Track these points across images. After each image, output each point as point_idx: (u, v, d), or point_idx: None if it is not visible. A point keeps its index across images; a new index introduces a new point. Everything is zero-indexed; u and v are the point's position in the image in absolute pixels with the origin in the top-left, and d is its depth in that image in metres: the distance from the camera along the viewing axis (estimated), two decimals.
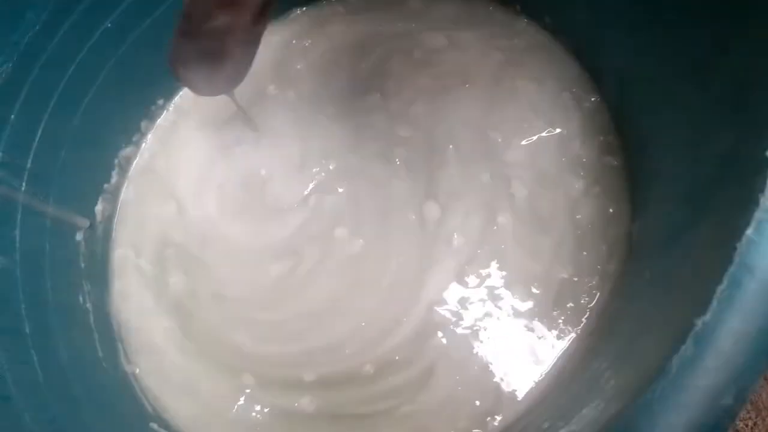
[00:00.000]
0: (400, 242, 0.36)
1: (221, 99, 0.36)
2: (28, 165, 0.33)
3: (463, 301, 0.35)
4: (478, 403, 0.33)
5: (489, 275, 0.35)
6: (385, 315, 0.35)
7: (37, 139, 0.34)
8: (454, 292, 0.35)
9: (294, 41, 0.43)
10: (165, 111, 0.42)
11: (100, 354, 0.35)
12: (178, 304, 0.37)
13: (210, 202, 0.39)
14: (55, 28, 0.33)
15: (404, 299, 0.35)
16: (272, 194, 0.39)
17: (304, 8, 0.44)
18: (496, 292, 0.35)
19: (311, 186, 0.39)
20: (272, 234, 0.38)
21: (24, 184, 0.33)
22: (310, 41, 0.43)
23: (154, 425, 0.34)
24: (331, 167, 0.39)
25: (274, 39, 0.42)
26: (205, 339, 0.36)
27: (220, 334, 0.36)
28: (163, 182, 0.40)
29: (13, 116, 0.32)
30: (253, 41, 0.32)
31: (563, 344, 0.33)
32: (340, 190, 0.38)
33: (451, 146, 0.38)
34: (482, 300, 0.35)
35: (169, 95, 0.42)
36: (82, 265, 0.36)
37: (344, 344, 0.35)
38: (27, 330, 0.31)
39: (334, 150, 0.39)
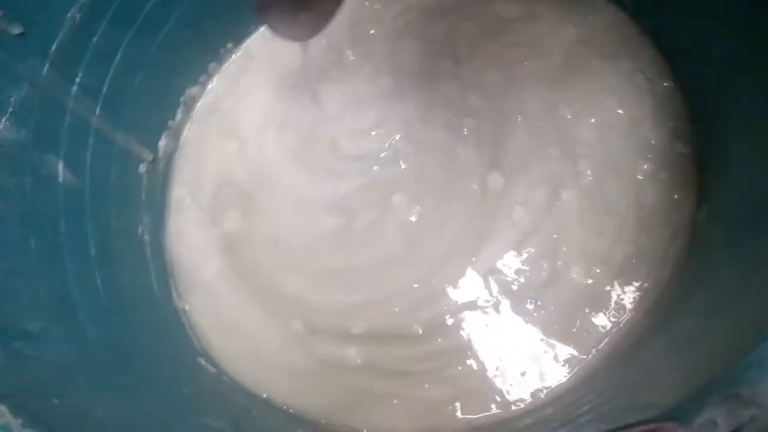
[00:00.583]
0: (460, 211, 0.36)
1: (292, 50, 0.36)
2: (104, 90, 0.33)
3: (519, 272, 0.35)
4: (524, 375, 0.33)
5: (549, 250, 0.35)
6: (438, 279, 0.35)
7: (114, 65, 0.34)
8: (511, 263, 0.35)
9: (366, 2, 0.43)
10: (233, 55, 0.42)
11: (155, 286, 0.35)
12: (232, 244, 0.37)
13: (272, 145, 0.39)
14: None
15: (459, 265, 0.35)
16: (334, 152, 0.39)
17: None
18: (555, 266, 0.34)
19: (375, 150, 0.38)
20: (329, 189, 0.38)
21: (98, 108, 0.33)
22: (380, 5, 0.43)
23: (201, 360, 0.34)
24: (397, 136, 0.38)
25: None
26: (255, 281, 0.36)
27: (271, 277, 0.36)
28: (226, 122, 0.40)
29: (95, 39, 0.32)
30: None
31: (619, 323, 0.33)
32: (403, 158, 0.38)
33: (519, 118, 0.37)
34: (539, 273, 0.34)
35: (239, 40, 0.42)
36: (143, 197, 0.36)
37: (394, 302, 0.35)
38: (92, 251, 0.31)
39: (402, 116, 0.39)
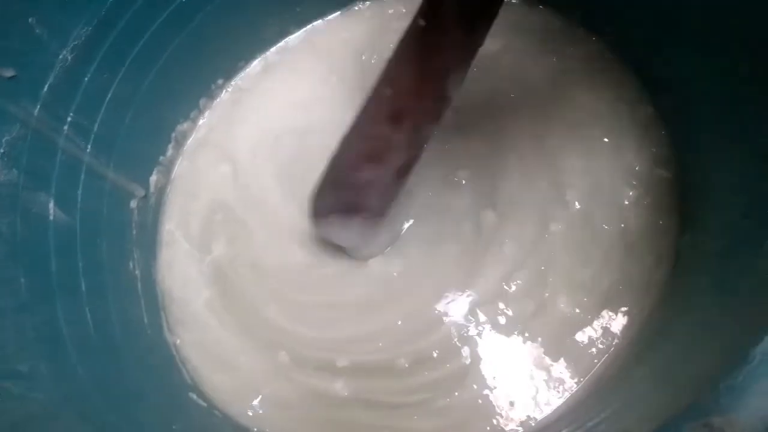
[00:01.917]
0: (450, 252, 0.36)
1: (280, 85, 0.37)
2: (95, 128, 0.34)
3: (507, 305, 0.35)
4: (516, 401, 0.33)
5: (537, 281, 0.35)
6: (423, 316, 0.35)
7: (105, 104, 0.34)
8: (498, 295, 0.35)
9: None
10: (224, 90, 0.43)
11: (146, 320, 0.35)
12: (219, 273, 0.38)
13: (265, 167, 0.40)
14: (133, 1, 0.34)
15: (447, 299, 0.35)
16: None
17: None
18: (542, 297, 0.35)
19: None
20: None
21: (89, 146, 0.34)
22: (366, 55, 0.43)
23: (193, 395, 0.34)
24: None
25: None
26: (243, 312, 0.37)
27: (255, 306, 0.37)
28: (219, 150, 0.41)
29: (86, 79, 0.33)
30: (392, 194, 0.33)
31: (607, 350, 0.33)
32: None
33: (513, 154, 0.38)
34: (526, 304, 0.35)
35: (229, 75, 0.43)
36: (134, 232, 0.37)
37: (377, 338, 0.35)
38: (83, 287, 0.31)
39: None
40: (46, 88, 0.31)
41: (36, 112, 0.30)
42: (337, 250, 0.37)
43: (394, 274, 0.36)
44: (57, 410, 0.25)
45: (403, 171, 0.31)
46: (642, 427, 0.18)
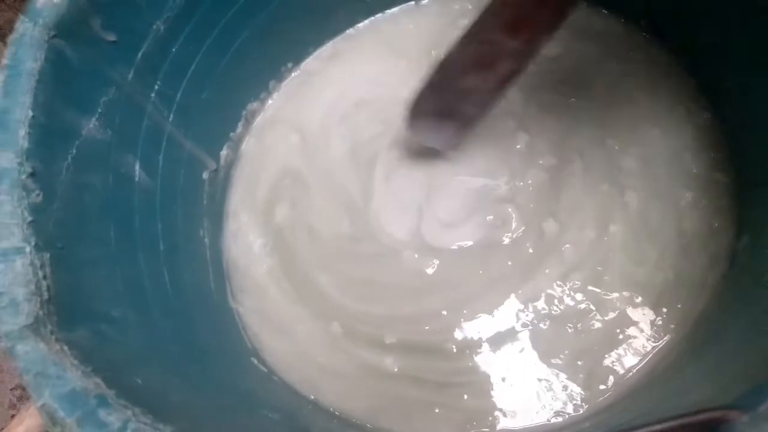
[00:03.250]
0: (506, 255, 0.37)
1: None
2: (178, 98, 0.35)
3: (561, 301, 0.36)
4: (565, 389, 0.34)
5: (591, 280, 0.36)
6: (470, 308, 0.36)
7: (187, 77, 0.36)
8: (553, 292, 0.36)
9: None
10: (293, 74, 0.44)
11: (213, 287, 0.37)
12: (280, 239, 0.39)
13: (333, 135, 0.42)
14: None
15: (499, 294, 0.36)
16: (392, 164, 0.41)
17: None
18: (596, 294, 0.35)
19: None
20: (372, 196, 0.40)
21: (172, 115, 0.35)
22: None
23: (254, 360, 0.35)
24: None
25: None
26: (299, 279, 0.38)
27: (308, 272, 0.38)
28: (287, 125, 0.43)
29: (174, 49, 0.34)
30: (489, 105, 0.34)
31: (658, 345, 0.34)
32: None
33: (577, 158, 0.39)
34: (580, 300, 0.35)
35: (298, 60, 0.44)
36: (205, 202, 0.38)
37: (422, 321, 0.36)
38: (161, 247, 0.33)
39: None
40: (140, 55, 0.32)
41: (130, 77, 0.32)
42: (379, 229, 0.38)
43: (429, 272, 0.37)
44: (146, 357, 0.27)
45: (507, 81, 0.32)
46: (721, 397, 0.19)
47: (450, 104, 0.34)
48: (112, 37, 0.30)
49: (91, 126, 0.29)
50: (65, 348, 0.22)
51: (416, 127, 0.36)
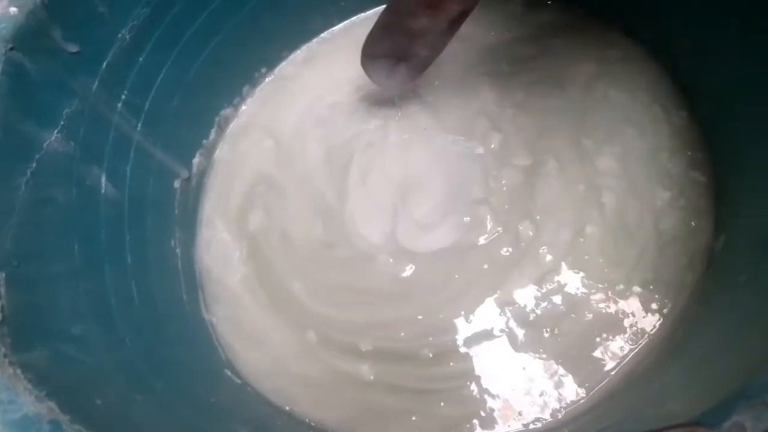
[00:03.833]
0: (481, 256, 0.37)
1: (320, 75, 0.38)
2: (146, 107, 0.35)
3: (537, 305, 0.35)
4: (542, 395, 0.34)
5: (568, 283, 0.35)
6: (446, 313, 0.36)
7: (155, 86, 0.35)
8: (529, 296, 0.35)
9: None
10: (267, 79, 0.44)
11: (185, 297, 0.36)
12: (254, 247, 0.39)
13: (309, 141, 0.41)
14: None
15: (471, 302, 0.36)
16: (364, 170, 0.40)
17: None
18: (573, 297, 0.35)
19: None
20: (345, 203, 0.39)
21: (140, 124, 0.35)
22: None
23: (227, 371, 0.35)
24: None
25: None
26: (273, 287, 0.38)
27: (282, 280, 0.38)
28: (261, 130, 0.42)
29: (141, 59, 0.34)
30: (440, 46, 0.34)
31: (636, 347, 0.34)
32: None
33: (551, 159, 0.38)
34: (557, 304, 0.35)
35: (272, 65, 0.44)
36: (176, 211, 0.38)
37: (398, 327, 0.36)
38: (129, 261, 0.32)
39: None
40: (104, 66, 0.32)
41: (94, 88, 0.31)
42: (354, 232, 0.38)
43: (409, 271, 0.37)
44: (108, 374, 0.26)
45: (457, 22, 0.32)
46: (691, 408, 0.19)
47: (401, 46, 0.34)
48: (74, 48, 0.30)
49: (52, 139, 0.29)
50: (18, 371, 0.21)
51: (369, 69, 0.36)
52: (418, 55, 0.35)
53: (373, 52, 0.35)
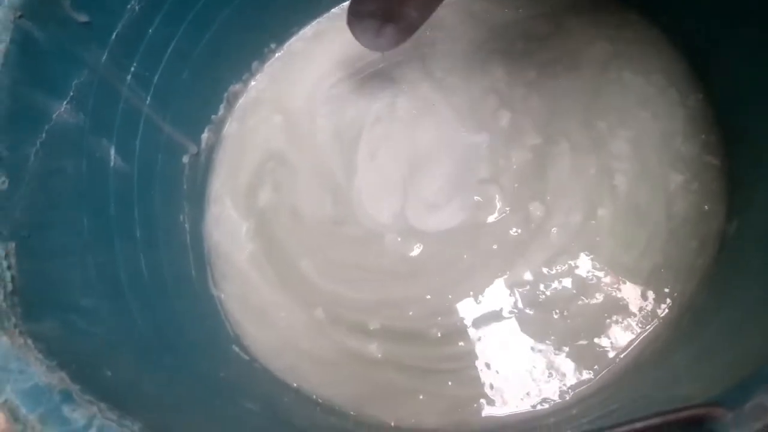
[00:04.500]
0: (491, 238, 0.36)
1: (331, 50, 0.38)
2: (155, 80, 0.34)
3: (547, 286, 0.35)
4: (551, 376, 0.34)
5: (578, 265, 0.35)
6: (455, 293, 0.35)
7: (165, 58, 0.35)
8: (539, 277, 0.35)
9: None
10: (276, 54, 0.43)
11: (193, 274, 0.36)
12: (263, 223, 0.39)
13: (317, 114, 0.41)
14: None
15: (485, 278, 0.36)
16: (374, 145, 0.40)
17: None
18: (583, 279, 0.35)
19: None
20: (354, 178, 0.39)
21: (149, 97, 0.34)
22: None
23: (235, 348, 0.35)
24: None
25: None
26: (282, 264, 0.37)
27: (290, 257, 0.37)
28: (270, 105, 0.42)
29: (150, 30, 0.33)
30: (430, 8, 0.33)
31: (646, 330, 0.34)
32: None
33: (564, 140, 0.38)
34: (567, 286, 0.35)
35: (282, 40, 0.43)
36: (185, 186, 0.38)
37: (406, 307, 0.36)
38: (138, 234, 0.32)
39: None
40: (114, 37, 0.31)
41: (104, 59, 0.31)
42: (362, 211, 0.38)
43: (417, 250, 0.37)
44: (118, 347, 0.26)
45: None
46: (709, 389, 0.18)
47: (389, 5, 0.34)
48: (84, 18, 0.29)
49: (62, 110, 0.29)
50: (29, 341, 0.21)
51: (355, 28, 0.35)
52: (407, 16, 0.34)
53: (360, 11, 0.34)
